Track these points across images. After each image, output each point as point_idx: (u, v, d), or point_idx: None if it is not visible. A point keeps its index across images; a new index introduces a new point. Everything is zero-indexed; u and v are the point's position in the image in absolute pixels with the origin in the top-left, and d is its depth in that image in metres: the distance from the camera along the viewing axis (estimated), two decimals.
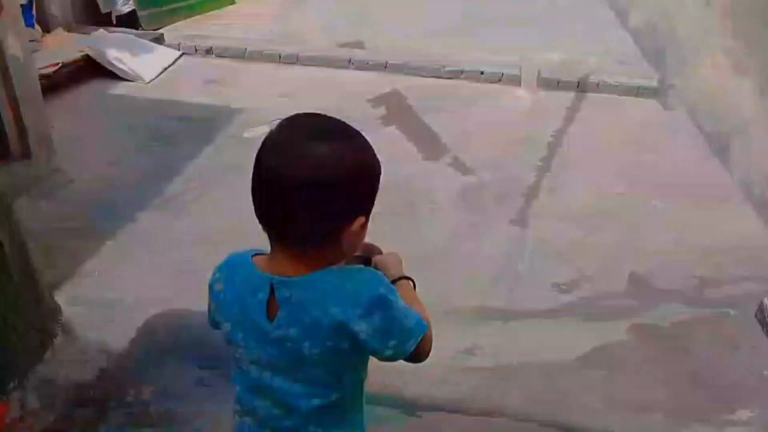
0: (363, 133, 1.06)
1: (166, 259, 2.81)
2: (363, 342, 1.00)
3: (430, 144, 3.98)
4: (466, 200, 3.39)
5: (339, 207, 0.99)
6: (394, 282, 1.12)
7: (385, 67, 5.05)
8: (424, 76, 4.98)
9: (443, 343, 2.39)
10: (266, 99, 4.40)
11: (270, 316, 1.03)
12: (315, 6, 6.30)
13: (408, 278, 1.20)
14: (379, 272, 1.10)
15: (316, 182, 0.95)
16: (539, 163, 3.78)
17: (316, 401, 1.07)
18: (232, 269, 1.10)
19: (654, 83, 4.67)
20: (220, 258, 1.13)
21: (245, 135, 3.95)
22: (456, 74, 4.93)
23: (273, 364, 1.07)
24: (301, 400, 1.07)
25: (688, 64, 4.31)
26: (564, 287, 2.73)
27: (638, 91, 4.68)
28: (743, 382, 2.28)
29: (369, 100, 4.63)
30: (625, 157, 3.86)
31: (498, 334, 2.46)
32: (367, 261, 1.20)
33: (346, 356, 1.04)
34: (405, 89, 4.77)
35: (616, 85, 4.70)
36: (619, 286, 2.75)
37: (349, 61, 5.09)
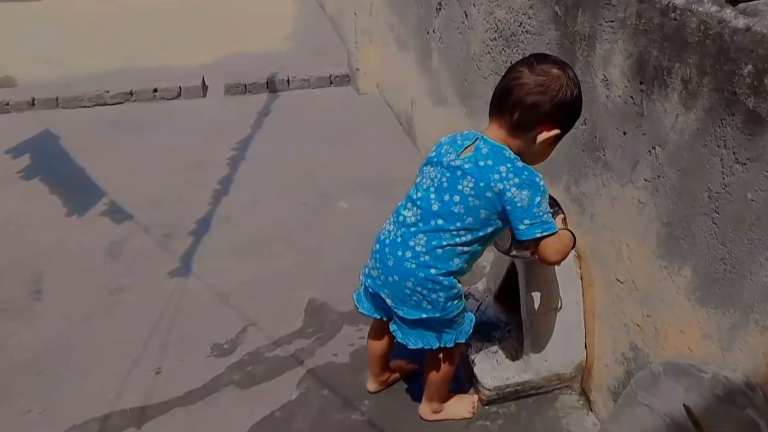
0: None
1: None
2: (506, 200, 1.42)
3: (80, 193, 3.15)
4: (115, 257, 2.65)
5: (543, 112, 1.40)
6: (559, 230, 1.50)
7: (33, 104, 4.06)
8: (86, 107, 4.10)
9: None
10: None
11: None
12: None
13: (571, 232, 1.56)
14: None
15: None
16: (217, 187, 3.19)
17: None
18: None
19: (345, 69, 4.39)
20: None
21: None
22: (125, 97, 4.13)
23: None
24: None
25: (367, 44, 4.06)
26: (226, 346, 2.16)
27: (332, 80, 4.36)
28: None
29: (8, 151, 3.64)
30: (314, 158, 3.45)
31: None
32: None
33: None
34: (59, 128, 3.85)
35: (307, 79, 4.32)
36: (294, 322, 2.26)
37: None
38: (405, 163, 3.36)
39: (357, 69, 4.14)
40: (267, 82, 4.29)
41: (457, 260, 1.48)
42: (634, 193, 1.53)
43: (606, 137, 1.62)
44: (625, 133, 1.54)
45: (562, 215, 1.66)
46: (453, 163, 1.47)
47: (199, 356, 2.12)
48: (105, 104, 4.10)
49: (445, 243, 1.46)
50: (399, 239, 1.52)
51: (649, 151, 1.45)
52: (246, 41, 5.21)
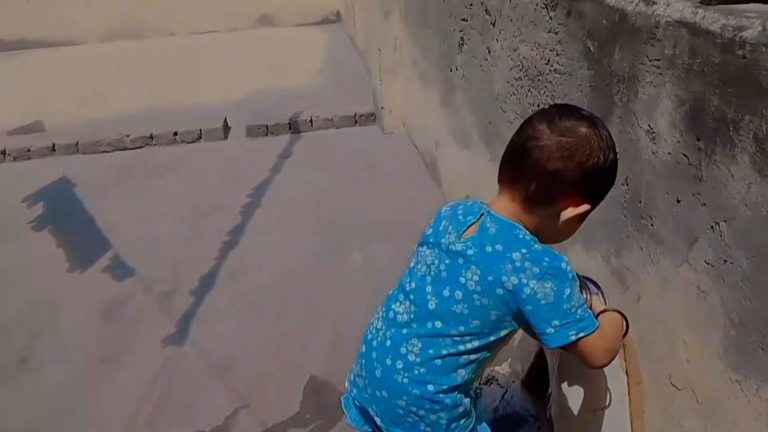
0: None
1: None
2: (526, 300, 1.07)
3: (86, 245, 3.00)
4: (110, 320, 2.45)
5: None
6: (602, 312, 1.19)
7: (54, 149, 4.00)
8: (106, 152, 4.01)
9: None
10: None
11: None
12: None
13: (619, 312, 1.21)
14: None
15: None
16: (226, 238, 2.98)
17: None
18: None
19: (371, 108, 4.16)
20: None
21: None
22: (145, 141, 4.02)
23: None
24: None
25: (392, 81, 3.83)
26: None
27: (356, 119, 4.14)
28: None
29: (24, 200, 3.55)
30: (331, 204, 3.20)
31: None
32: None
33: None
34: (77, 174, 3.76)
35: (330, 118, 4.12)
36: (291, 405, 1.98)
37: (3, 153, 3.96)
38: (429, 208, 3.05)
39: (382, 107, 3.91)
40: (289, 123, 4.10)
41: (461, 371, 1.14)
42: (691, 276, 1.19)
43: (653, 202, 1.29)
44: (678, 201, 1.21)
45: (601, 297, 1.31)
46: (453, 247, 1.14)
47: None
48: (125, 149, 4.00)
49: (444, 352, 1.12)
50: (388, 342, 1.18)
51: (712, 227, 1.12)
52: (275, 76, 5.08)
